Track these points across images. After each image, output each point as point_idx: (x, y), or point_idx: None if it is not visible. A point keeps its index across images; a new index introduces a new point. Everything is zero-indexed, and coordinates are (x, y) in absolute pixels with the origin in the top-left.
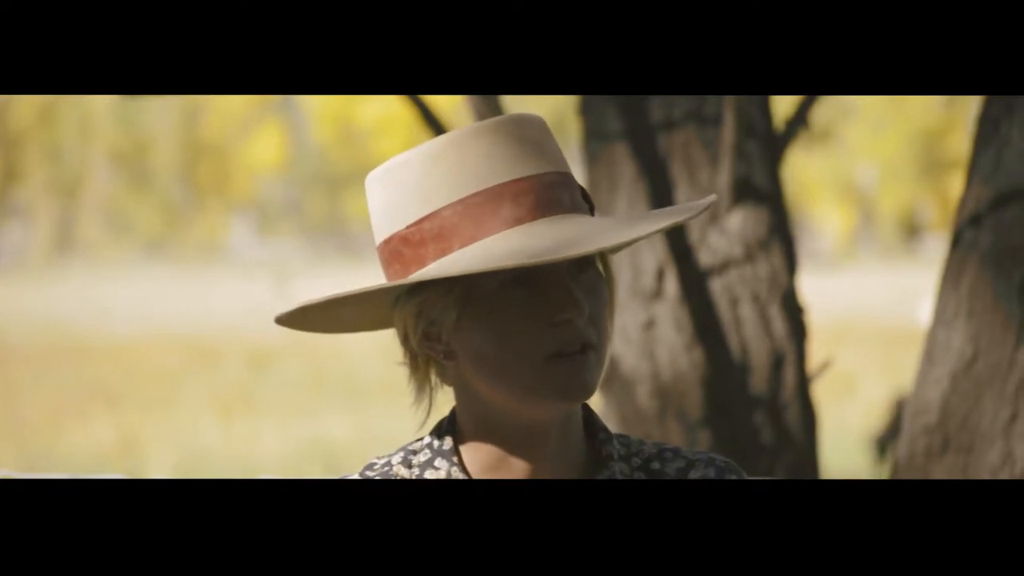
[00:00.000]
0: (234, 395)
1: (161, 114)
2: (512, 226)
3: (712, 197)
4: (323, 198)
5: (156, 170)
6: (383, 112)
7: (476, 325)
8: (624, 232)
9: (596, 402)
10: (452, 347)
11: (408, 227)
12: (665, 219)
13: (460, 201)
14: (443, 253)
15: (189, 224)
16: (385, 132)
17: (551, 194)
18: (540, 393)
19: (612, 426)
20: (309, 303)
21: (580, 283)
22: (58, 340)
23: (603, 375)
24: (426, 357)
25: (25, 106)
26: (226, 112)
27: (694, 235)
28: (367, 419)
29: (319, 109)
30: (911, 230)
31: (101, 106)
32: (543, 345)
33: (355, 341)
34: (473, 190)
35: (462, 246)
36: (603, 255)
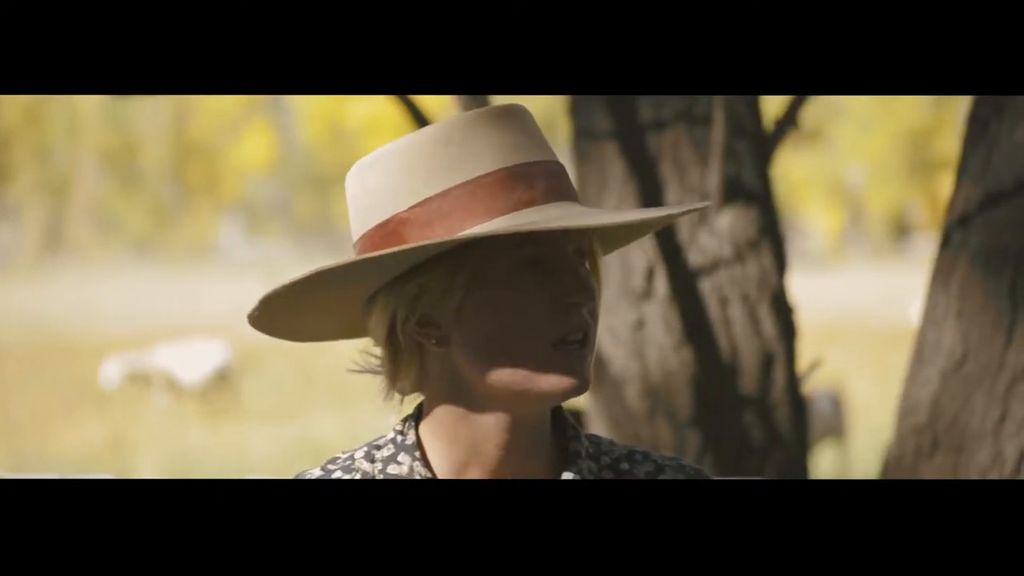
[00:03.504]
0: (224, 395)
1: (150, 114)
2: (525, 207)
3: (708, 202)
4: (312, 198)
5: (145, 170)
6: (372, 112)
7: (482, 308)
8: (633, 215)
9: (586, 402)
10: (447, 332)
11: (411, 208)
12: (663, 210)
13: (472, 181)
14: (453, 231)
15: (178, 224)
16: (374, 132)
17: (557, 181)
18: (539, 382)
19: (602, 426)
20: (298, 279)
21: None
22: (47, 340)
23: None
24: (417, 344)
25: (13, 106)
26: (215, 112)
27: (684, 235)
28: (356, 419)
29: (308, 109)
30: (900, 230)
31: (89, 106)
32: (550, 329)
33: (344, 341)
34: (484, 171)
35: (474, 224)
36: (595, 252)
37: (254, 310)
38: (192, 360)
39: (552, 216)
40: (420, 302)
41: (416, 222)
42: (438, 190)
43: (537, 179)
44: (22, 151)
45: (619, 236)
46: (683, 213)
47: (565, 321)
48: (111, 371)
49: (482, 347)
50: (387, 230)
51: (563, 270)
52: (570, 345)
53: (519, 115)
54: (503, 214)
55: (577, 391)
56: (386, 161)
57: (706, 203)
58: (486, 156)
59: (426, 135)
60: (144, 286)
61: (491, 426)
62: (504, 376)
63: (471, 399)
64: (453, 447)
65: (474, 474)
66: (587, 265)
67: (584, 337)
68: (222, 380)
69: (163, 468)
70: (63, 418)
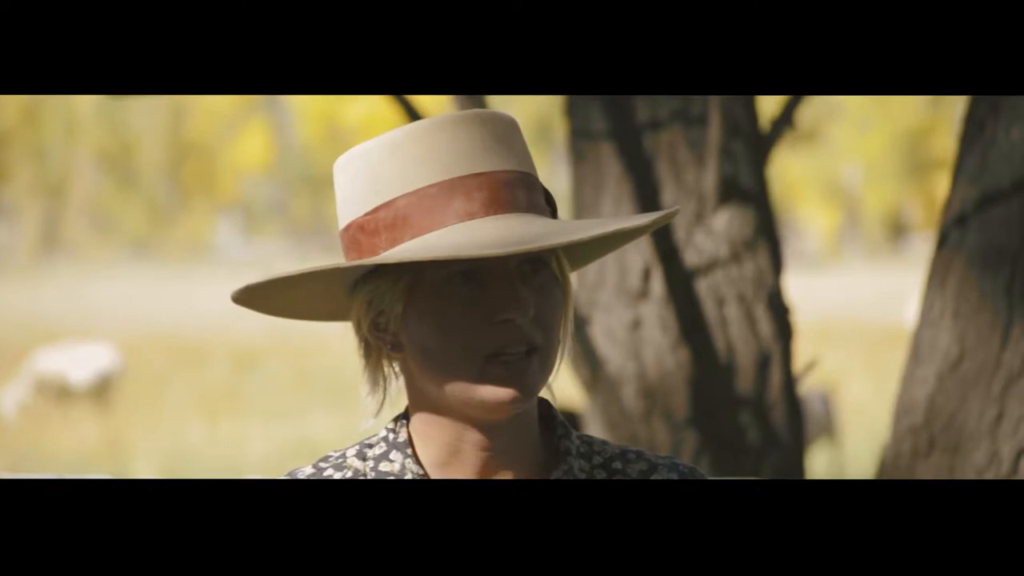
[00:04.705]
0: (220, 395)
1: (146, 114)
2: (463, 220)
3: (674, 208)
4: (309, 198)
5: (141, 170)
6: (368, 112)
7: (420, 318)
8: (570, 234)
9: (582, 402)
10: (399, 339)
11: (365, 215)
12: (616, 224)
13: (415, 192)
14: (394, 243)
15: (175, 224)
16: (370, 132)
17: (507, 192)
18: (479, 394)
19: (599, 426)
20: (254, 283)
21: (531, 284)
22: (44, 340)
23: (549, 378)
24: (377, 347)
25: (10, 106)
26: (211, 112)
27: (680, 235)
28: (352, 418)
29: (304, 109)
30: (897, 230)
31: (86, 106)
32: (484, 343)
33: (340, 341)
34: (428, 182)
35: (412, 237)
36: (559, 258)
37: (239, 295)
38: (78, 362)
39: (487, 231)
40: (371, 308)
41: (367, 229)
42: (385, 199)
43: (479, 191)
44: (19, 151)
45: (593, 247)
46: (624, 230)
47: (499, 335)
48: (8, 398)
49: (423, 356)
50: (349, 234)
51: (498, 284)
52: (509, 357)
53: (483, 121)
54: (440, 227)
55: (517, 402)
56: (350, 165)
57: (660, 215)
58: (432, 166)
59: (383, 141)
60: (140, 286)
61: (461, 428)
62: (445, 385)
63: (433, 403)
64: (433, 447)
65: (459, 473)
66: (543, 273)
67: (527, 348)
68: (108, 382)
69: (160, 468)
70: (59, 418)
